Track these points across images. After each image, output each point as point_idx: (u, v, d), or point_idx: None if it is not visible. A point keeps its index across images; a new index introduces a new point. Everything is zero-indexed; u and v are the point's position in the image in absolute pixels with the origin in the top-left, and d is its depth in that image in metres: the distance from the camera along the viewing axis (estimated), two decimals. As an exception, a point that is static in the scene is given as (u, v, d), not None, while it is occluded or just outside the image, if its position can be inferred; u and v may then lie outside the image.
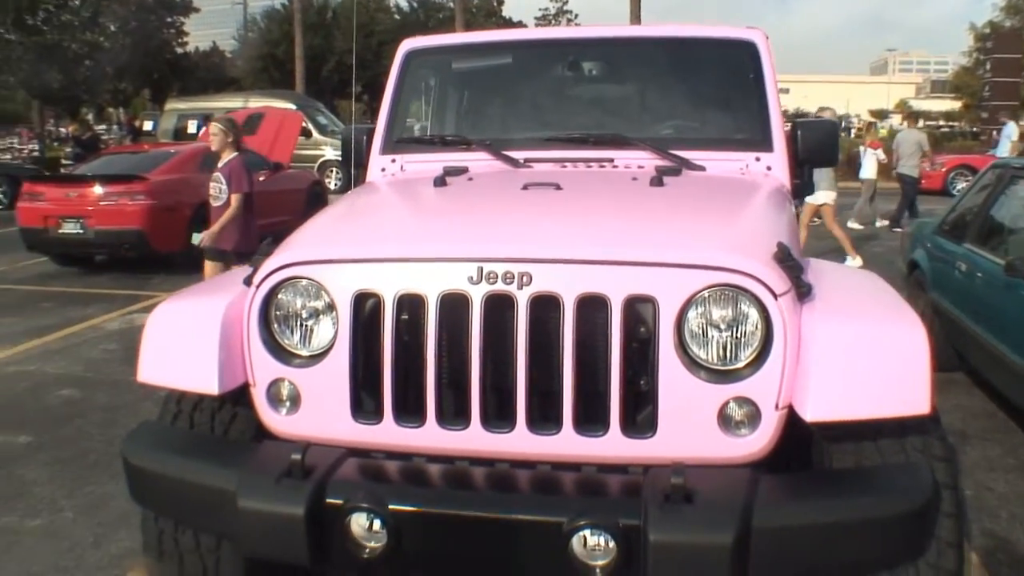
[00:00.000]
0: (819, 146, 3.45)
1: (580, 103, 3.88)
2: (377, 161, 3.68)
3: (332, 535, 2.01)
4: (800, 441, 2.31)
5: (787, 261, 2.21)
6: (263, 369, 2.32)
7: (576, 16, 44.93)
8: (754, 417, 2.11)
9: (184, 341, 2.39)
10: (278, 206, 11.65)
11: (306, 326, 2.31)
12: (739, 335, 2.12)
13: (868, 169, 13.36)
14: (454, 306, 2.15)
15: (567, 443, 2.14)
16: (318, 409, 2.28)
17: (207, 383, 2.30)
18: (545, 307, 2.11)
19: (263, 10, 44.48)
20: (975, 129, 32.11)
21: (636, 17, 22.64)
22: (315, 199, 13.04)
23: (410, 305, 2.19)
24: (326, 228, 2.69)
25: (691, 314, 2.12)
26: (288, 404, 2.32)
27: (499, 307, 2.13)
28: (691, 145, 3.33)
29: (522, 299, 2.11)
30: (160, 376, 2.42)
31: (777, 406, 2.10)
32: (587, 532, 1.89)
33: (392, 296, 2.19)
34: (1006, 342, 4.23)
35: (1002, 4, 36.81)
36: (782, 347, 2.08)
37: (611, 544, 1.89)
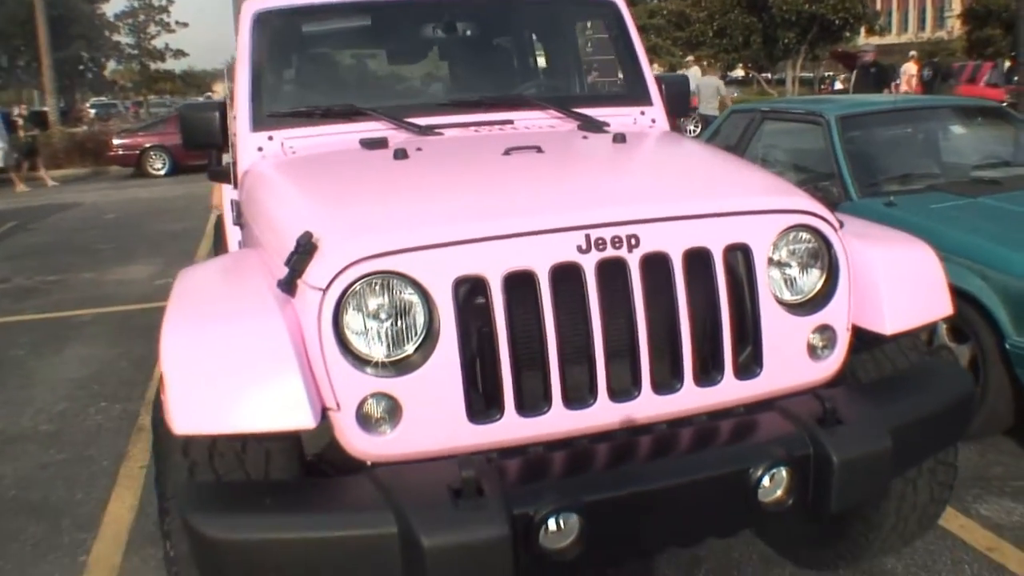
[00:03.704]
0: (678, 98, 3.70)
1: (454, 65, 3.71)
2: (249, 140, 3.12)
3: (529, 546, 1.82)
4: None
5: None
6: (349, 388, 1.96)
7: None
8: (832, 340, 2.31)
9: (240, 371, 1.92)
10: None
11: (389, 327, 2.01)
12: (812, 268, 2.29)
13: None
14: (565, 278, 2.03)
15: (688, 398, 2.15)
16: (425, 419, 2.00)
17: (298, 416, 1.89)
18: (655, 267, 2.09)
19: None
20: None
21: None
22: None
23: (518, 283, 2.02)
24: (387, 210, 2.29)
25: (775, 256, 2.24)
26: (387, 421, 2.01)
27: (612, 273, 2.06)
28: (586, 102, 3.39)
29: (633, 262, 2.06)
30: (217, 421, 1.90)
31: (848, 328, 2.32)
32: (770, 472, 1.97)
33: (499, 276, 1.99)
34: None
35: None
36: (847, 273, 2.29)
37: (785, 476, 1.99)
